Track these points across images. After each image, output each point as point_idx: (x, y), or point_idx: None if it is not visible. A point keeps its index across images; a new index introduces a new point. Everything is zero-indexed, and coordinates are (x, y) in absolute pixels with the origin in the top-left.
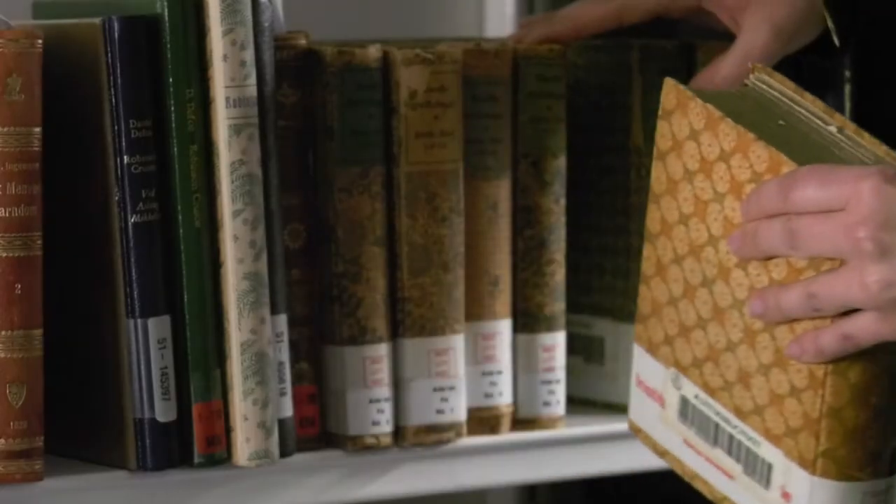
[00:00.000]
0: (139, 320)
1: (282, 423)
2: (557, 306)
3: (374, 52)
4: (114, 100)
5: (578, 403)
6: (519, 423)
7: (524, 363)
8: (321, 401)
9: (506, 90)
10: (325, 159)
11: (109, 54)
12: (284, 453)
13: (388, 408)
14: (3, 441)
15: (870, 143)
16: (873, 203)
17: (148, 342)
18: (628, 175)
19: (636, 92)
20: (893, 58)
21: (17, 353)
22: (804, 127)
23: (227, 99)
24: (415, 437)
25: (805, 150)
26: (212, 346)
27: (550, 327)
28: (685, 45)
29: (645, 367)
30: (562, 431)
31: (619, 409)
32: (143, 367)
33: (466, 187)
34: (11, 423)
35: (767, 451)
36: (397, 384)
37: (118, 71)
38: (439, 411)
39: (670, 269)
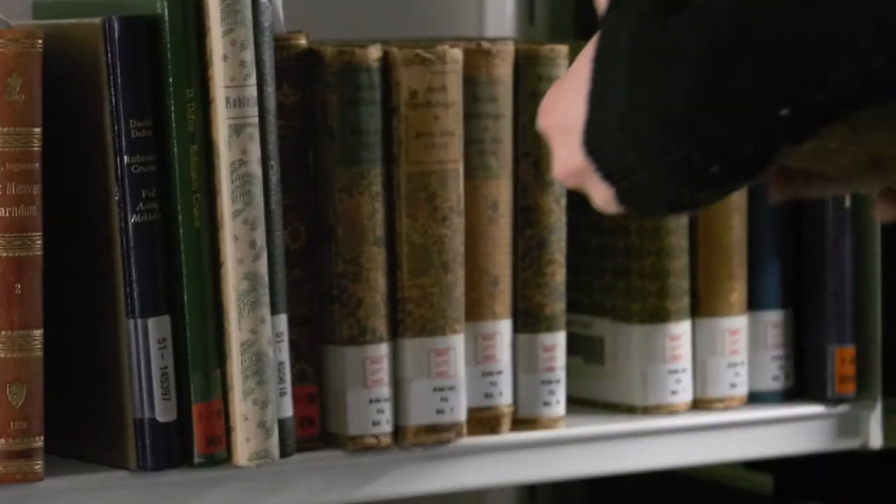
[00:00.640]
0: (139, 320)
1: (282, 423)
2: (557, 306)
3: (374, 52)
4: (114, 100)
5: (578, 403)
6: (519, 423)
7: (524, 363)
8: (321, 401)
9: (506, 90)
10: (325, 159)
11: (109, 54)
12: (284, 453)
13: (388, 408)
14: (3, 441)
15: None
16: None
17: (148, 342)
18: None
19: None
20: None
21: (17, 353)
22: None
23: (227, 99)
24: (415, 437)
25: None
26: (212, 346)
27: (550, 327)
28: None
29: None
30: (562, 431)
31: (619, 409)
32: (143, 367)
33: (466, 187)
34: (11, 423)
35: None
36: (397, 384)
37: (118, 71)
38: (439, 411)
39: None
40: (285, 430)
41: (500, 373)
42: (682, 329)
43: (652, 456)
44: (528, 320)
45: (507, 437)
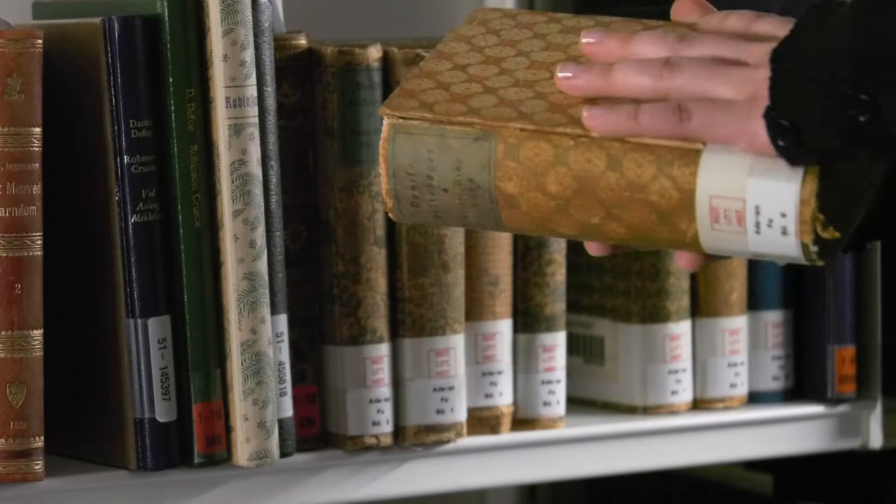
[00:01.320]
0: (139, 320)
1: (282, 423)
2: (557, 306)
3: (374, 52)
4: (114, 100)
5: (578, 403)
6: (519, 423)
7: (524, 363)
8: (321, 401)
9: None
10: (325, 159)
11: (109, 54)
12: (284, 453)
13: (388, 408)
14: (3, 441)
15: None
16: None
17: (148, 342)
18: None
19: None
20: None
21: (17, 353)
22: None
23: (227, 99)
24: (415, 437)
25: None
26: (212, 346)
27: (550, 327)
28: None
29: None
30: (562, 431)
31: (619, 409)
32: (143, 367)
33: None
34: (11, 423)
35: None
36: (397, 384)
37: (118, 71)
38: (439, 411)
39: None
40: (285, 430)
41: (500, 373)
42: (682, 329)
43: (652, 456)
44: (528, 320)
45: (507, 437)
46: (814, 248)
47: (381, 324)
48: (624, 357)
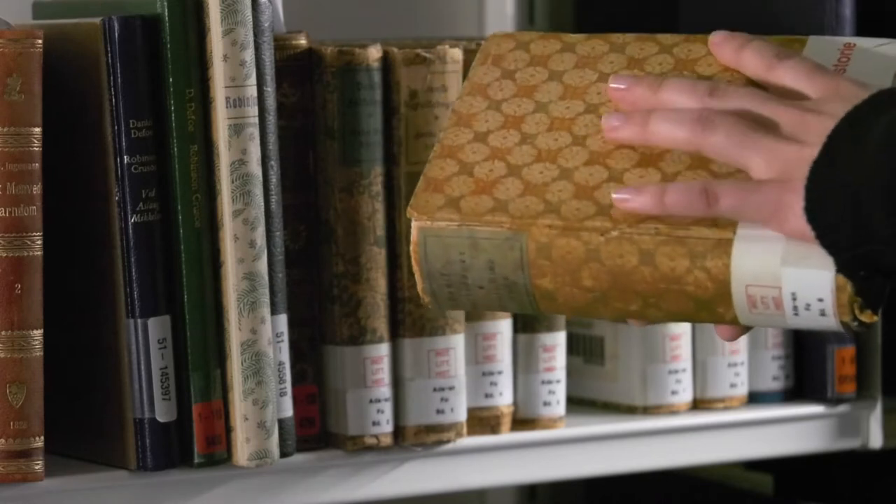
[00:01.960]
0: (139, 320)
1: (282, 423)
2: None
3: (374, 52)
4: (114, 100)
5: (578, 403)
6: (519, 423)
7: (524, 363)
8: (321, 401)
9: None
10: (325, 159)
11: (109, 54)
12: (284, 453)
13: (388, 408)
14: (3, 441)
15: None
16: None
17: (148, 342)
18: None
19: None
20: None
21: (17, 353)
22: None
23: (227, 99)
24: (415, 437)
25: None
26: (212, 346)
27: (550, 327)
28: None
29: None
30: (562, 431)
31: (619, 409)
32: (143, 367)
33: None
34: (11, 423)
35: None
36: (397, 384)
37: (118, 71)
38: (439, 411)
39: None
40: (285, 430)
41: (500, 373)
42: (682, 329)
43: (652, 456)
44: (528, 320)
45: (507, 437)
46: (854, 325)
47: (381, 324)
48: (624, 357)
